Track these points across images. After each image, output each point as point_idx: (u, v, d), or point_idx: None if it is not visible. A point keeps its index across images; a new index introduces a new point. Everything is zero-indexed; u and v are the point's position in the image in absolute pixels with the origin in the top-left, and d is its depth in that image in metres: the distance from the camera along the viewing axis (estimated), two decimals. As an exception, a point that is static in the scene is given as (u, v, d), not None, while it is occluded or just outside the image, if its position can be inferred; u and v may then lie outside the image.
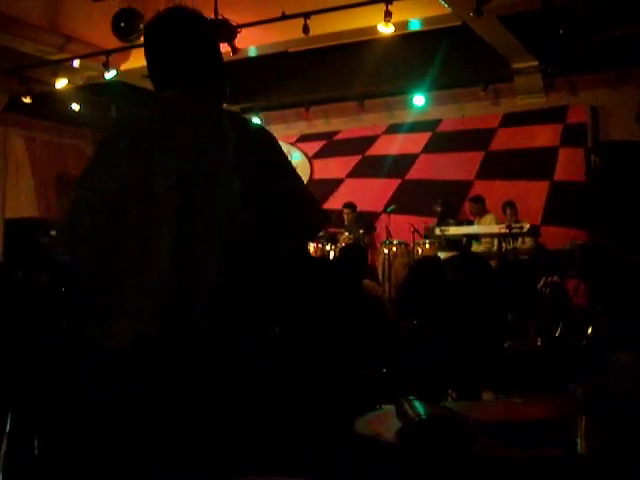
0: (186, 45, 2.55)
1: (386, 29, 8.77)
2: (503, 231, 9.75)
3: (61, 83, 11.04)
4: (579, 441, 2.19)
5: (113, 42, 9.92)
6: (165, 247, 2.27)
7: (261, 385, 2.61)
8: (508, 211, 10.88)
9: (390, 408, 2.93)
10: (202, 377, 2.34)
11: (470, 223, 11.46)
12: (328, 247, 11.56)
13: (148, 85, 10.36)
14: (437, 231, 10.77)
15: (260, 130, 2.59)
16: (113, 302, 2.32)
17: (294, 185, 2.54)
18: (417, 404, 2.63)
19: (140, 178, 2.33)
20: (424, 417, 2.51)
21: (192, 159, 2.35)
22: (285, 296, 2.62)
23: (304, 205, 2.54)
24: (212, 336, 2.32)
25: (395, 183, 13.00)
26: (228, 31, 8.71)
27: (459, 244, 10.91)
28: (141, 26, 9.53)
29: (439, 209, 11.68)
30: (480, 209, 11.36)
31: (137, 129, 2.49)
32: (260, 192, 2.36)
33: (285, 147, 14.12)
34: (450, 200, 11.98)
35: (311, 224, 2.60)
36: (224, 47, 8.95)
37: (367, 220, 12.57)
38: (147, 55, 2.63)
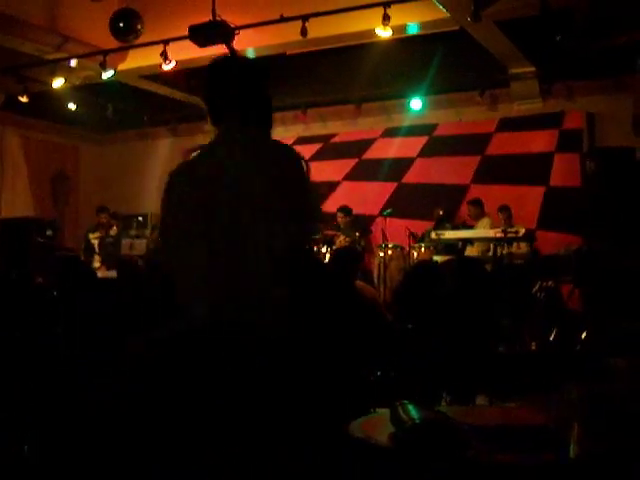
0: (241, 87, 3.13)
1: (384, 33, 8.78)
2: (498, 235, 9.75)
3: (58, 82, 11.02)
4: (573, 446, 2.19)
5: (111, 42, 9.92)
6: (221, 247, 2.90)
7: (262, 384, 2.85)
8: (501, 215, 10.90)
9: (384, 412, 2.93)
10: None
11: (466, 227, 11.46)
12: (324, 249, 11.56)
13: (145, 85, 10.37)
14: (433, 235, 10.78)
15: (287, 150, 3.19)
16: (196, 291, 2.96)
17: (299, 194, 3.08)
18: (411, 408, 2.63)
19: (198, 198, 2.99)
20: (417, 421, 2.51)
21: (240, 181, 2.96)
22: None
23: (303, 210, 3.03)
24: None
25: (391, 187, 13.00)
26: (226, 33, 8.71)
27: (454, 248, 10.92)
28: (139, 26, 9.54)
29: (440, 213, 11.67)
30: (479, 212, 11.36)
31: (198, 161, 3.30)
32: (273, 199, 2.92)
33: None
34: (446, 204, 11.99)
35: (306, 226, 3.06)
36: (221, 48, 8.95)
37: (363, 223, 12.57)
38: (208, 94, 3.21)
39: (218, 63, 3.15)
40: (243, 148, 3.05)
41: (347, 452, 2.77)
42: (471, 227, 11.37)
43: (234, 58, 3.33)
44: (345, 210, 12.27)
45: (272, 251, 2.84)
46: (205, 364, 2.72)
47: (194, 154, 3.33)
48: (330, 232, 12.08)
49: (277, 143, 3.22)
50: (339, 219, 12.23)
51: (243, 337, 2.79)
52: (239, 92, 3.12)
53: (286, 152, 3.14)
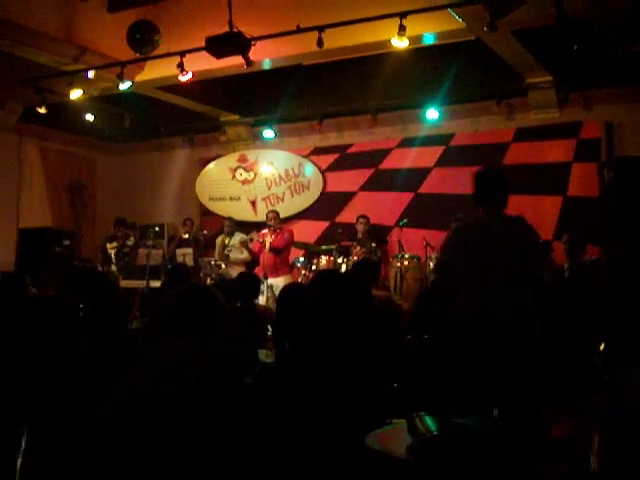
0: (499, 186, 5.56)
1: (400, 43, 8.76)
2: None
3: (76, 94, 11.05)
4: (592, 458, 2.16)
5: (128, 53, 9.96)
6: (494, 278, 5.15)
7: None
8: None
9: (401, 423, 2.91)
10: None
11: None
12: (340, 260, 11.56)
13: (161, 96, 10.43)
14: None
15: (525, 224, 5.64)
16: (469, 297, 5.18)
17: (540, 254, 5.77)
18: (428, 419, 2.61)
19: (479, 248, 5.28)
20: (435, 433, 2.49)
21: (502, 242, 5.29)
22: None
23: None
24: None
25: (408, 197, 12.98)
26: (242, 44, 8.72)
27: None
28: (156, 38, 9.57)
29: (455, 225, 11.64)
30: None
31: (472, 226, 5.62)
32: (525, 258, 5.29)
33: (297, 160, 14.16)
34: (463, 215, 11.97)
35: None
36: (238, 59, 8.97)
37: (380, 233, 12.56)
38: (479, 192, 5.60)
39: (484, 173, 5.62)
40: (501, 224, 5.44)
41: (364, 463, 2.75)
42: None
43: (494, 170, 6.09)
44: (366, 217, 12.29)
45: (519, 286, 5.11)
46: (481, 342, 4.76)
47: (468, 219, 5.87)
48: (346, 243, 12.08)
49: (523, 221, 5.63)
50: (360, 225, 12.23)
51: (504, 328, 4.87)
52: (495, 190, 5.48)
53: (532, 230, 5.63)
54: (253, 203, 14.60)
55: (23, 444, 3.79)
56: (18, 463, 3.73)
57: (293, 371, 3.73)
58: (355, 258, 11.36)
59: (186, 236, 13.27)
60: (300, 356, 3.80)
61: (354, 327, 3.94)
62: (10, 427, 3.85)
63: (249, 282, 7.54)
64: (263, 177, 14.51)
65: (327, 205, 13.82)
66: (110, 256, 13.20)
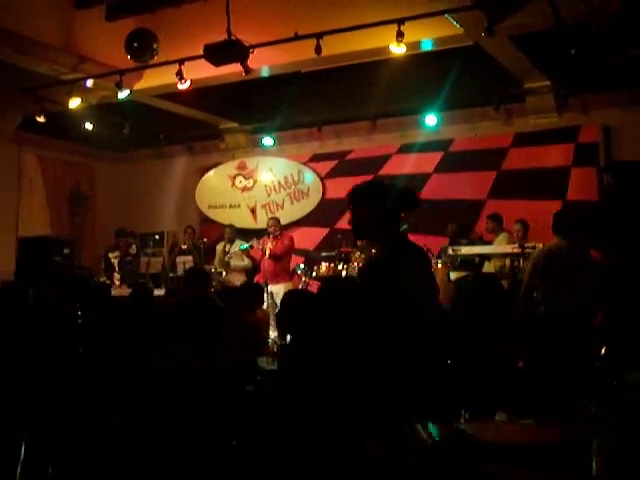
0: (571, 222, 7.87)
1: (398, 49, 8.76)
2: (516, 251, 9.71)
3: (75, 102, 11.05)
4: (594, 462, 2.16)
5: (127, 62, 9.97)
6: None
7: None
8: (516, 227, 10.87)
9: (404, 429, 2.91)
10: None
11: (483, 242, 11.42)
12: (340, 267, 11.55)
13: (160, 105, 10.44)
14: (450, 251, 10.75)
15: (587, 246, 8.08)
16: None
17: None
18: (430, 425, 2.62)
19: None
20: (437, 438, 2.49)
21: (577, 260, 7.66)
22: None
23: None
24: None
25: (407, 203, 12.96)
26: (241, 51, 8.73)
27: (472, 264, 10.88)
28: (154, 46, 9.58)
29: (453, 229, 11.65)
30: (496, 227, 11.32)
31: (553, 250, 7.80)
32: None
33: (297, 167, 14.17)
34: (462, 220, 11.96)
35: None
36: (237, 67, 8.98)
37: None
38: (557, 226, 7.84)
39: (563, 213, 8.01)
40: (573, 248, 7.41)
41: (367, 468, 2.76)
42: (488, 242, 11.32)
43: (569, 211, 8.21)
44: None
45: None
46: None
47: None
48: (346, 249, 12.07)
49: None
50: None
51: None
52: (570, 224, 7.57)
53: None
54: (253, 210, 14.60)
55: (23, 445, 3.79)
56: (18, 465, 3.73)
57: (297, 378, 3.73)
58: (355, 264, 11.35)
59: (184, 246, 13.25)
60: (304, 363, 3.80)
61: (360, 334, 3.94)
62: (11, 427, 3.85)
63: (253, 292, 7.51)
64: (262, 184, 14.53)
65: (327, 212, 13.81)
66: (113, 265, 13.20)
